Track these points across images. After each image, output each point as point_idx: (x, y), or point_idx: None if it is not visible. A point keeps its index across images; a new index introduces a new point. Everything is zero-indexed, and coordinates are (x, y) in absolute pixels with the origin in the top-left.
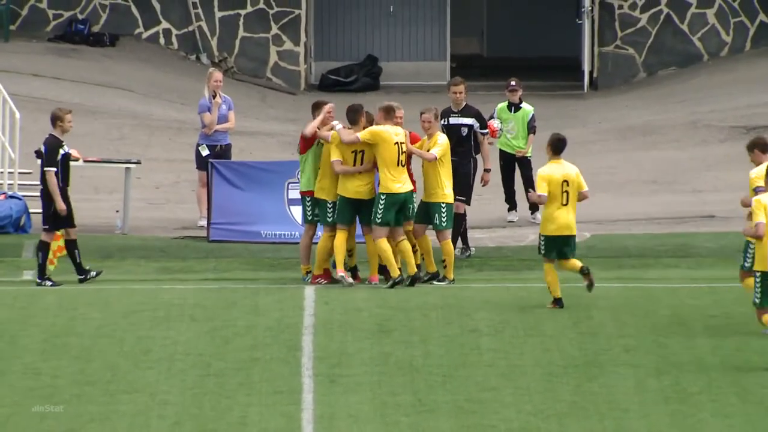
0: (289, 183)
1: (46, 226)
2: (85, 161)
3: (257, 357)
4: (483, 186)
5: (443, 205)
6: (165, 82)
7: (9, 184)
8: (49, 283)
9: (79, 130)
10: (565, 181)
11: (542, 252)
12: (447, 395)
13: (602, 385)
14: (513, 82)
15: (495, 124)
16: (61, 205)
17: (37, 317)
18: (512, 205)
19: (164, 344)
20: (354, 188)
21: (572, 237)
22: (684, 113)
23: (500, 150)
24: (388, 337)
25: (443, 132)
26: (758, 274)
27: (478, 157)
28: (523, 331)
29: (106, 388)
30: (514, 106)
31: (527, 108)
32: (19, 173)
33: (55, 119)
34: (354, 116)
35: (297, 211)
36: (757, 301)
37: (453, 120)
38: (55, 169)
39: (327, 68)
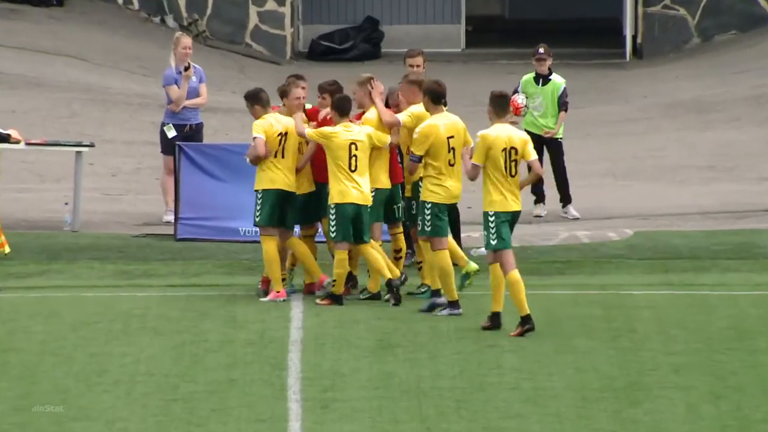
0: None
1: None
2: (27, 144)
3: (234, 378)
4: None
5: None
6: (124, 49)
7: None
8: None
9: (20, 107)
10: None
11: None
12: (461, 423)
13: (647, 412)
14: (541, 50)
15: (519, 99)
16: None
17: None
18: (539, 197)
19: (123, 363)
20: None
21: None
22: (745, 86)
23: (525, 131)
24: (390, 355)
25: None
26: None
27: None
28: (552, 347)
29: (54, 416)
30: (542, 78)
31: (557, 80)
32: None
33: None
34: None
35: None
36: None
37: None
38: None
39: (318, 33)
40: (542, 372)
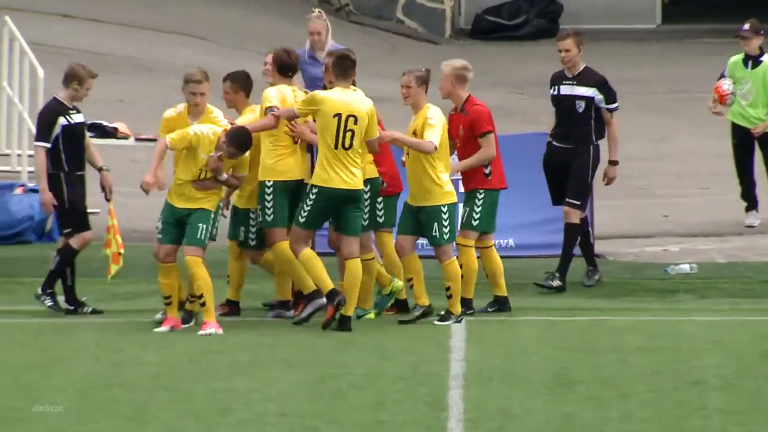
0: None
1: (68, 230)
2: (137, 139)
3: (383, 419)
4: (606, 185)
5: (444, 209)
6: (249, 26)
7: (30, 172)
8: (48, 301)
9: (128, 95)
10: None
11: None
12: None
13: None
14: (746, 26)
15: (724, 85)
16: (46, 195)
17: (68, 362)
18: (751, 203)
19: (250, 400)
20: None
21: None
22: None
23: (732, 123)
24: (570, 392)
25: (553, 103)
26: None
27: (602, 143)
28: None
29: None
30: (752, 60)
31: None
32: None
33: (72, 78)
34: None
35: None
36: None
37: (565, 89)
38: (47, 144)
39: (483, 6)
40: (757, 415)
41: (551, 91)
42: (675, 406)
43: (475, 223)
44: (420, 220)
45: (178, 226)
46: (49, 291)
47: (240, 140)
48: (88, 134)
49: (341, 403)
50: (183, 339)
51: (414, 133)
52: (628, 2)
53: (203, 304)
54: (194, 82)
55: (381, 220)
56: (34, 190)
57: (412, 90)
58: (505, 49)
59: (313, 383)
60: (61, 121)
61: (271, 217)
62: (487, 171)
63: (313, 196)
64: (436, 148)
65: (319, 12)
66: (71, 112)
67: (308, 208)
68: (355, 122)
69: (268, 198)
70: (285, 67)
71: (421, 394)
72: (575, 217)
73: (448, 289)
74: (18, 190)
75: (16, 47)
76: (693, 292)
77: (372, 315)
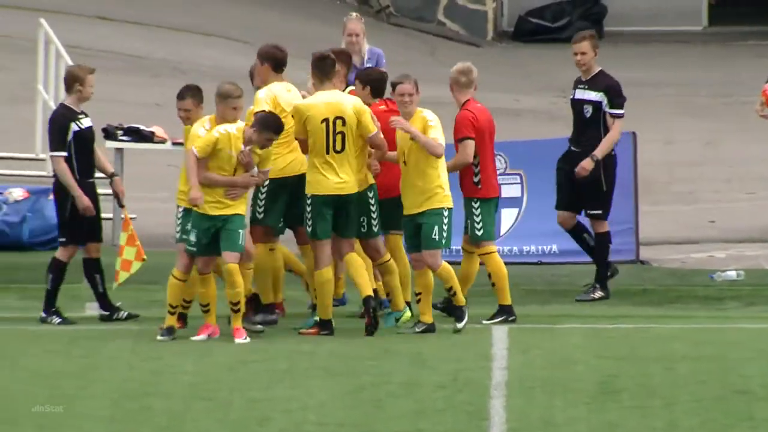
0: None
1: (63, 239)
2: (174, 143)
3: (423, 429)
4: (575, 176)
5: (446, 213)
6: (284, 28)
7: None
8: (56, 319)
9: (165, 98)
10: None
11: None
12: None
13: None
14: None
15: None
16: (84, 200)
17: (104, 370)
18: None
19: (288, 409)
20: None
21: None
22: None
23: None
24: (614, 401)
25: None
26: None
27: (616, 148)
28: None
29: None
30: None
31: None
32: None
33: (72, 81)
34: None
35: None
36: None
37: (578, 94)
38: (64, 153)
39: (526, 8)
40: None
41: (570, 96)
42: (721, 415)
43: (479, 233)
44: (419, 224)
45: (214, 235)
46: (53, 310)
47: (271, 124)
48: (124, 138)
49: (380, 412)
50: (220, 347)
51: (414, 138)
52: (674, 4)
53: (237, 311)
54: (235, 98)
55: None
56: None
57: (414, 97)
58: (548, 52)
59: (352, 392)
60: (73, 127)
61: (262, 215)
62: (476, 179)
63: (310, 207)
64: (444, 149)
65: (357, 14)
66: (80, 116)
67: (310, 219)
68: (344, 124)
69: (261, 196)
70: (278, 63)
71: (461, 403)
72: (602, 226)
73: (418, 294)
74: (53, 196)
75: (52, 50)
76: (739, 299)
77: (408, 314)
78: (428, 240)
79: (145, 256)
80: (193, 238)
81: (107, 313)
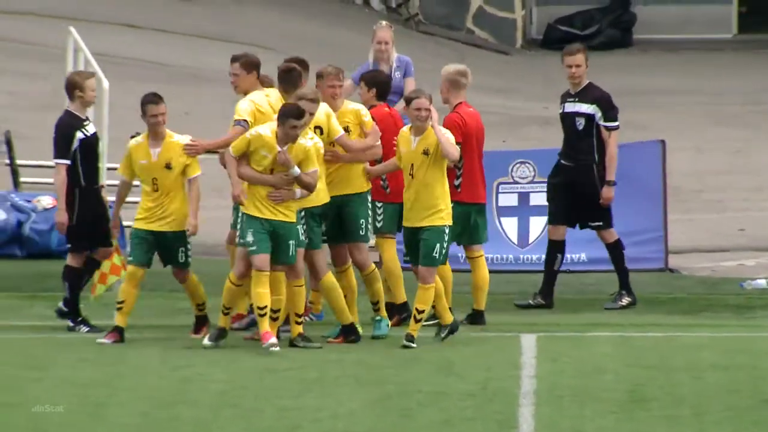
0: (499, 184)
1: (69, 245)
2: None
3: None
4: (601, 206)
5: (447, 231)
6: (314, 36)
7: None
8: (84, 328)
9: (193, 107)
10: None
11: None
12: None
13: None
14: None
15: None
16: (63, 215)
17: (132, 378)
18: None
19: (317, 418)
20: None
21: None
22: None
23: None
24: (644, 410)
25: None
26: None
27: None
28: None
29: None
30: None
31: None
32: (108, 169)
33: (72, 89)
34: (297, 78)
35: (510, 225)
36: None
37: (568, 107)
38: (67, 161)
39: (555, 16)
40: None
41: (559, 110)
42: (752, 425)
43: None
44: (415, 238)
45: (271, 234)
46: (79, 319)
47: (288, 110)
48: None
49: (409, 421)
50: (250, 355)
51: (425, 153)
52: (704, 11)
53: (275, 319)
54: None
55: (380, 225)
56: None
57: (430, 112)
58: None
59: (381, 401)
60: (78, 135)
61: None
62: (456, 183)
63: (303, 219)
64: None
65: (387, 23)
66: (85, 123)
67: (302, 230)
68: (321, 133)
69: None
70: (258, 68)
71: (490, 412)
72: (609, 236)
73: (421, 312)
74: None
75: (81, 58)
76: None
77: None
78: (428, 258)
79: (122, 272)
80: (249, 237)
81: (68, 316)
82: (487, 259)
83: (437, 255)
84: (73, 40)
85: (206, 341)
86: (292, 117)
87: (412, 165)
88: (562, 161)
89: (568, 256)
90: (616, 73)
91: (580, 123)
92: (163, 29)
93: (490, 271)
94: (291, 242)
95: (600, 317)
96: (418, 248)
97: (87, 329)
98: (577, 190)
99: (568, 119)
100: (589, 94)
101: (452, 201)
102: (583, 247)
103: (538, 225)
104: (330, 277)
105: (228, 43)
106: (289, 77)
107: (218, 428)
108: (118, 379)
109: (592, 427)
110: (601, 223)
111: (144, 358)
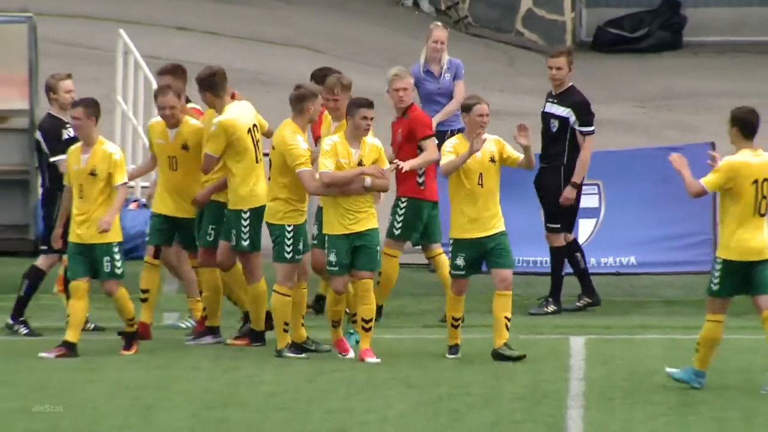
0: None
1: (45, 247)
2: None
3: None
4: (560, 206)
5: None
6: (367, 39)
7: (143, 187)
8: (23, 329)
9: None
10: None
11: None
12: None
13: None
14: None
15: None
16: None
17: (183, 381)
18: None
19: (366, 421)
20: None
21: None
22: None
23: None
24: (694, 413)
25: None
26: None
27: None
28: None
29: None
30: None
31: None
32: None
33: (47, 91)
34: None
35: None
36: None
37: (547, 107)
38: (64, 156)
39: (604, 18)
40: None
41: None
42: None
43: (396, 232)
44: (485, 247)
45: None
46: (21, 319)
47: (362, 100)
48: None
49: (459, 424)
50: (299, 358)
51: (492, 161)
52: (756, 13)
53: (368, 329)
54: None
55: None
56: (147, 206)
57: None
58: (627, 62)
59: (431, 403)
60: (64, 134)
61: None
62: (420, 180)
63: (248, 221)
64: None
65: (443, 24)
66: (67, 125)
67: (247, 233)
68: (257, 131)
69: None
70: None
71: (540, 415)
72: (556, 240)
73: (508, 319)
74: (132, 206)
75: (131, 60)
76: None
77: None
78: (508, 258)
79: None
80: (332, 258)
81: (12, 321)
82: (535, 262)
83: (512, 255)
84: (123, 42)
85: (287, 353)
86: (363, 107)
87: (481, 174)
88: (541, 163)
89: (617, 258)
90: (666, 76)
91: (554, 125)
92: (214, 32)
93: (537, 274)
94: (377, 248)
95: (650, 320)
96: (486, 258)
97: (26, 331)
98: (543, 190)
99: (545, 120)
100: (567, 97)
101: (413, 198)
102: (632, 250)
103: (587, 227)
104: (262, 286)
105: (278, 46)
106: (213, 81)
107: (267, 430)
108: (169, 381)
109: (642, 429)
110: (557, 226)
111: (195, 359)
